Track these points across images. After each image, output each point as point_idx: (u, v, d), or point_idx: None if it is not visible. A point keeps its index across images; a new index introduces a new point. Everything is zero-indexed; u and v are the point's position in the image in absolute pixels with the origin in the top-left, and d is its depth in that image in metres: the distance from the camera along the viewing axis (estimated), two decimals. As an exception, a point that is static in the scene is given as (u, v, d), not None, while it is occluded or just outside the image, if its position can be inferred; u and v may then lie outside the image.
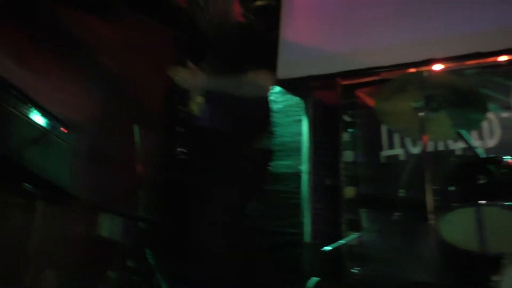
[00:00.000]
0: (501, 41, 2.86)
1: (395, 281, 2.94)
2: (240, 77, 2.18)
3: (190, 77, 2.27)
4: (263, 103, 2.39)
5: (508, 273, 1.85)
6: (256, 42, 2.31)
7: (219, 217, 2.10)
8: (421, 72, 2.20)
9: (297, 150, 4.04)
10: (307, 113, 4.05)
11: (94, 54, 2.91)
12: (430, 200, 2.00)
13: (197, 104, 2.34)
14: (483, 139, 3.39)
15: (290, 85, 3.97)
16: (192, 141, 2.32)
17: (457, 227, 2.07)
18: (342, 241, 2.71)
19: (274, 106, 4.50)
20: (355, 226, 3.37)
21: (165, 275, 2.49)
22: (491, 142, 3.43)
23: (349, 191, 3.67)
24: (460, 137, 2.04)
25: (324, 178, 3.72)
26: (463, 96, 2.18)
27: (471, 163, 2.01)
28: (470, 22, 3.10)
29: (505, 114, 3.48)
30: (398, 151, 3.64)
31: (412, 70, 2.89)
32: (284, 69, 3.31)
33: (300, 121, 4.18)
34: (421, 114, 2.26)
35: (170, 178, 2.38)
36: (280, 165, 4.13)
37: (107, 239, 3.00)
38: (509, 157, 2.06)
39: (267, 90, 2.37)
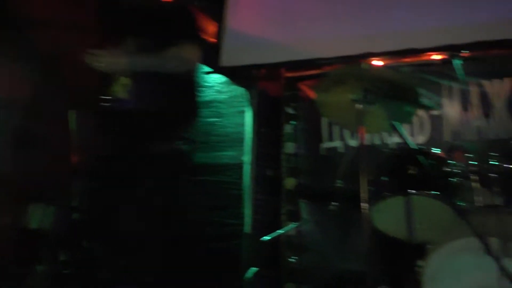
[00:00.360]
0: (436, 39, 2.99)
1: (331, 270, 3.01)
2: (165, 52, 2.12)
3: (113, 58, 2.17)
4: (191, 80, 2.34)
5: (432, 259, 1.95)
6: (178, 16, 2.26)
7: (149, 204, 2.02)
8: (359, 64, 2.23)
9: (240, 141, 4.03)
10: (251, 104, 4.04)
11: (22, 31, 2.71)
12: (364, 190, 2.05)
13: (122, 86, 2.24)
14: (414, 135, 3.58)
15: (235, 76, 3.94)
16: (118, 126, 2.22)
17: (388, 215, 2.14)
18: (280, 231, 2.72)
19: (219, 97, 4.49)
20: (294, 216, 3.42)
21: (100, 267, 2.38)
22: (421, 139, 3.62)
23: (290, 182, 3.71)
24: (393, 128, 2.09)
25: (266, 169, 3.73)
26: (397, 89, 2.24)
27: (403, 155, 2.09)
28: (409, 20, 3.22)
29: (435, 112, 3.68)
30: (337, 143, 3.73)
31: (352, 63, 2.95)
32: (228, 57, 3.26)
33: (244, 112, 4.17)
34: (359, 106, 2.31)
35: (103, 165, 2.27)
36: (223, 155, 4.10)
37: (37, 230, 2.81)
38: (438, 149, 2.15)
39: (193, 64, 2.32)
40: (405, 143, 2.04)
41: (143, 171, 2.11)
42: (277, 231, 2.74)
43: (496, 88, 3.65)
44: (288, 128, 3.97)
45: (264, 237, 2.67)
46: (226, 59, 3.22)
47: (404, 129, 2.08)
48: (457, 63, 2.52)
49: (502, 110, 3.58)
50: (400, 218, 2.00)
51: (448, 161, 2.07)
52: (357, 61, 2.94)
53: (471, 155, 2.91)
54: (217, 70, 3.56)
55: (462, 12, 3.02)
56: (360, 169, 2.10)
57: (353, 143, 3.55)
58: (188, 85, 2.33)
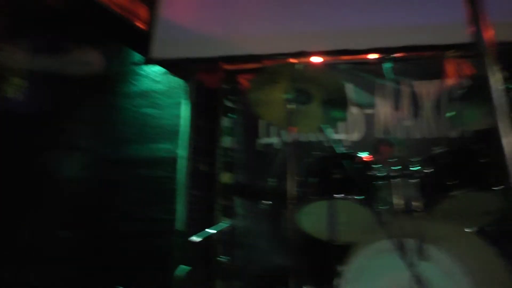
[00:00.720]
0: (371, 39, 3.04)
1: (261, 267, 3.02)
2: (66, 55, 1.98)
3: (8, 57, 2.00)
4: (97, 83, 2.22)
5: (353, 261, 1.99)
6: (84, 18, 2.13)
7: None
8: (293, 64, 2.22)
9: (176, 133, 3.91)
10: (189, 96, 3.93)
11: None
12: (291, 191, 2.05)
13: (14, 86, 2.07)
14: (348, 133, 3.66)
15: (173, 66, 3.81)
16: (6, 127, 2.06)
17: (313, 218, 2.16)
18: (210, 231, 2.68)
19: (155, 87, 4.33)
20: (229, 213, 3.38)
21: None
22: (355, 136, 3.71)
23: (226, 177, 3.67)
24: (322, 131, 2.10)
25: (201, 163, 3.66)
26: (329, 93, 2.26)
27: (329, 158, 2.11)
28: (346, 19, 3.25)
29: (369, 111, 3.79)
30: (273, 139, 3.73)
31: (288, 61, 2.94)
32: (160, 48, 3.13)
33: (180, 103, 4.06)
34: (291, 106, 2.30)
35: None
36: (158, 148, 3.97)
37: None
38: (365, 153, 2.19)
39: (94, 68, 2.20)
40: (332, 146, 2.05)
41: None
42: (207, 230, 2.69)
43: (425, 89, 3.81)
44: (226, 122, 3.92)
45: (193, 237, 2.62)
46: (158, 50, 3.09)
47: (336, 131, 2.08)
48: (388, 65, 2.58)
49: (429, 111, 3.76)
50: (324, 220, 2.03)
51: (373, 165, 2.11)
52: (294, 59, 2.93)
53: (396, 152, 3.08)
54: (148, 61, 3.41)
55: (397, 15, 3.09)
56: (288, 170, 2.10)
57: (289, 140, 3.56)
58: (93, 89, 2.20)
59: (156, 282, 3.02)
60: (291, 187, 2.06)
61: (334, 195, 1.98)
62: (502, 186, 2.07)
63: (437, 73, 3.81)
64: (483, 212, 2.06)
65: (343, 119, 3.38)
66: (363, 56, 3.52)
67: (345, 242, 2.08)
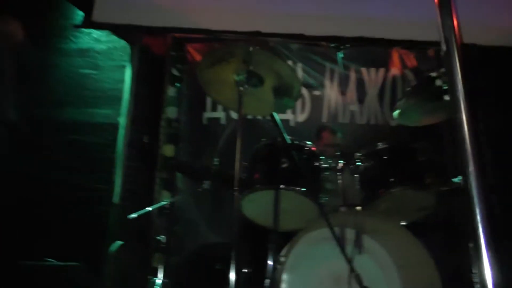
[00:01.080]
0: (325, 27, 3.02)
1: (199, 243, 3.02)
2: None
3: None
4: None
5: (294, 248, 2.04)
6: None
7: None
8: (247, 47, 2.14)
9: (117, 99, 3.70)
10: (132, 61, 3.71)
11: None
12: (237, 175, 2.02)
13: None
14: (294, 113, 3.68)
15: (116, 27, 3.54)
16: None
17: (257, 206, 2.16)
18: (148, 209, 2.60)
19: (96, 46, 4.03)
20: (170, 187, 3.31)
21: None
22: (302, 117, 3.75)
23: (168, 150, 3.56)
24: (272, 119, 2.07)
25: (142, 134, 3.51)
26: (281, 79, 2.22)
27: (277, 146, 2.09)
28: (304, 5, 3.17)
29: (316, 92, 3.82)
30: (220, 114, 3.66)
31: (240, 41, 2.85)
32: (106, 11, 2.88)
33: (123, 67, 3.82)
34: (241, 88, 2.24)
35: None
36: (96, 113, 3.75)
37: None
38: (310, 143, 2.20)
39: (16, 40, 2.03)
40: (282, 134, 2.03)
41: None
42: (146, 208, 2.61)
43: (372, 76, 3.91)
44: (171, 91, 3.76)
45: (131, 215, 2.53)
46: (102, 13, 2.84)
47: (281, 122, 2.06)
48: (339, 52, 2.58)
49: (374, 97, 3.87)
50: (268, 208, 2.03)
51: (319, 156, 2.13)
52: (247, 38, 2.84)
53: (337, 140, 3.15)
54: (89, 23, 3.13)
55: (353, 6, 3.08)
56: (236, 155, 2.06)
57: (235, 116, 3.51)
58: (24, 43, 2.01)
59: (89, 255, 2.91)
60: (237, 171, 2.01)
61: (280, 184, 1.98)
62: (437, 185, 2.20)
63: (383, 63, 3.91)
64: (418, 208, 2.17)
65: (293, 106, 3.38)
66: (314, 42, 3.50)
67: (286, 230, 2.11)
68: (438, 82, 2.33)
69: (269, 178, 2.06)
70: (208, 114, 3.66)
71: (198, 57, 3.75)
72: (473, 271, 2.09)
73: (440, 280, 1.84)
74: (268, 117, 3.28)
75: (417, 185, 2.10)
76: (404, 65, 3.93)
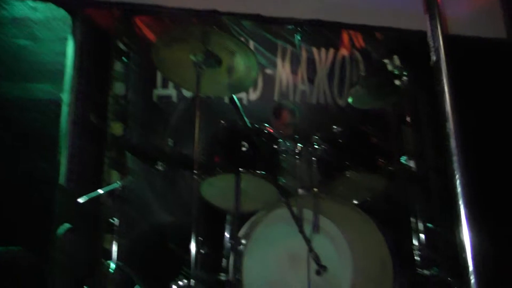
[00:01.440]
0: (283, 8, 3.00)
1: (151, 225, 2.98)
2: None
3: None
4: None
5: (252, 228, 2.09)
6: None
7: None
8: (205, 27, 2.09)
9: (59, 74, 3.46)
10: (74, 33, 3.47)
11: None
12: (196, 159, 2.00)
13: None
14: (248, 92, 3.68)
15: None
16: None
17: (216, 188, 2.17)
18: (98, 192, 2.51)
19: (33, 15, 3.71)
20: (120, 168, 3.20)
21: None
22: (254, 95, 3.75)
23: (116, 128, 3.43)
24: (231, 102, 2.06)
25: (88, 111, 3.33)
26: (238, 59, 2.20)
27: (236, 130, 2.09)
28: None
29: (269, 71, 3.83)
30: (171, 91, 3.57)
31: (196, 19, 2.76)
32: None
33: (65, 39, 3.57)
34: (198, 68, 2.19)
35: None
36: (35, 88, 3.49)
37: None
38: (268, 125, 2.22)
39: None
40: (241, 118, 2.03)
41: None
42: (97, 191, 2.52)
43: (322, 56, 3.97)
44: (118, 66, 3.59)
45: (80, 198, 2.43)
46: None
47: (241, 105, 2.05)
48: (297, 36, 2.60)
49: (324, 78, 3.95)
50: (228, 192, 2.05)
51: (278, 139, 2.16)
52: (203, 17, 2.75)
53: (294, 119, 3.22)
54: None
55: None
56: (189, 132, 2.02)
57: (189, 94, 3.44)
58: None
59: (34, 239, 2.78)
60: (196, 154, 1.99)
61: (239, 168, 1.99)
62: (386, 167, 2.33)
63: (333, 43, 3.99)
64: (369, 188, 2.29)
65: (249, 87, 3.36)
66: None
67: (245, 211, 2.15)
68: (390, 67, 2.43)
69: (229, 161, 2.06)
70: (159, 92, 3.55)
71: (147, 31, 3.60)
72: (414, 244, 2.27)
73: (390, 258, 1.97)
74: (224, 97, 3.32)
75: (370, 168, 2.20)
76: (353, 46, 4.03)
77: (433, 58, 0.92)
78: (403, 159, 2.57)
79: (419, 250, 2.17)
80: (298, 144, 2.14)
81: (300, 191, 2.10)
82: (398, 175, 2.50)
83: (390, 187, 2.39)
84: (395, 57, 2.31)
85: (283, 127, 3.04)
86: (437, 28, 0.93)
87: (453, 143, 0.98)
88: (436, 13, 1.05)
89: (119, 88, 3.53)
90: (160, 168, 2.53)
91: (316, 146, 2.16)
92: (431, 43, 0.93)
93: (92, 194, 2.48)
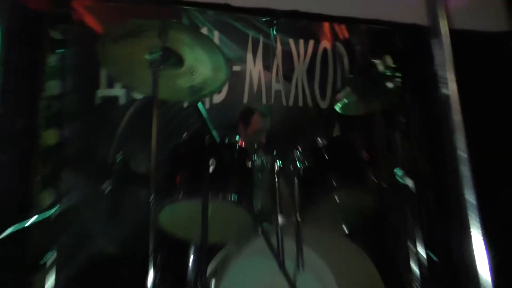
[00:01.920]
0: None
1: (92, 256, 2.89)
2: None
3: None
4: None
5: (224, 262, 2.06)
6: None
7: None
8: (164, 19, 2.05)
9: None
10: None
11: None
12: (153, 179, 1.95)
13: None
14: (212, 97, 3.64)
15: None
16: None
17: (178, 216, 2.12)
18: (26, 224, 2.40)
19: None
20: (53, 186, 3.08)
21: None
22: (218, 98, 3.70)
23: (50, 137, 3.30)
24: (195, 111, 2.02)
25: (15, 116, 3.19)
26: (203, 58, 2.18)
27: (203, 145, 2.04)
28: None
29: (236, 68, 3.80)
30: (118, 92, 3.48)
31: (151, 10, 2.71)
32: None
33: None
34: (154, 67, 2.16)
35: None
36: None
37: None
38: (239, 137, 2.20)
39: None
40: (207, 129, 1.99)
41: None
42: (20, 223, 2.40)
43: (300, 49, 3.99)
44: (52, 60, 3.47)
45: (4, 233, 2.32)
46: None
47: (206, 114, 2.02)
48: (273, 31, 2.60)
49: (302, 74, 3.97)
50: (191, 220, 2.00)
51: (254, 155, 2.14)
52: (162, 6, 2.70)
53: (267, 125, 3.20)
54: None
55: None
56: (149, 148, 1.98)
57: (139, 96, 3.36)
58: None
59: None
60: (152, 173, 1.94)
61: (208, 192, 1.95)
62: (378, 183, 2.36)
63: (313, 34, 4.02)
64: (359, 208, 2.30)
65: (217, 90, 3.33)
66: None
67: (215, 244, 2.12)
68: (380, 68, 2.47)
69: (194, 183, 2.02)
70: (103, 92, 3.45)
71: (89, 18, 3.50)
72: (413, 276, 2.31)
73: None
74: (185, 101, 3.28)
75: (360, 187, 2.21)
76: (335, 37, 4.08)
77: (437, 56, 0.94)
78: (398, 174, 2.61)
79: (419, 283, 2.20)
80: (277, 161, 2.12)
81: (279, 218, 2.09)
82: (392, 193, 2.55)
83: (384, 209, 2.41)
84: (387, 57, 2.35)
85: (253, 135, 3.02)
86: (439, 22, 0.95)
87: (462, 156, 1.00)
88: (439, 5, 1.07)
89: (53, 87, 3.42)
90: (105, 187, 2.48)
91: (299, 164, 2.15)
92: (433, 38, 0.95)
93: (14, 228, 2.36)
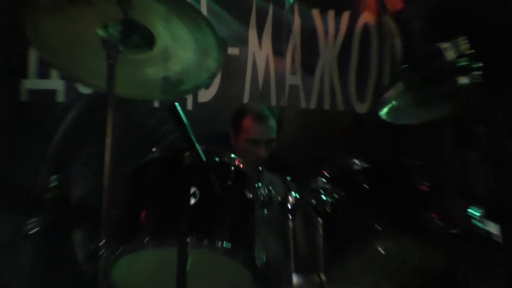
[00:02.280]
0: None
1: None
2: None
3: None
4: None
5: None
6: None
7: None
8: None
9: None
10: None
11: None
12: (105, 215, 1.99)
13: None
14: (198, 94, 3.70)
15: None
16: None
17: (143, 271, 2.17)
18: None
19: None
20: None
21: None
22: (206, 95, 3.76)
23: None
24: (170, 112, 2.06)
25: None
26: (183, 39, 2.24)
27: (181, 164, 2.07)
28: None
29: (233, 51, 3.85)
30: (55, 84, 3.55)
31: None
32: None
33: None
34: (111, 49, 2.21)
35: None
36: None
37: None
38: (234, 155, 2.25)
39: None
40: (189, 141, 2.03)
41: None
42: None
43: (329, 25, 4.05)
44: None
45: None
46: None
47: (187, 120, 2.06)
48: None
49: (331, 63, 4.02)
50: (163, 276, 2.04)
51: (255, 182, 2.18)
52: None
53: (271, 133, 3.25)
54: None
55: None
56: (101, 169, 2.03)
57: (87, 90, 3.43)
58: None
59: None
60: (105, 204, 1.99)
61: (183, 236, 1.99)
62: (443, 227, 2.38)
63: (348, 2, 4.08)
64: (415, 271, 2.33)
65: (205, 85, 3.38)
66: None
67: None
68: (451, 55, 2.51)
69: (166, 222, 2.07)
70: (32, 83, 3.52)
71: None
72: None
73: None
74: (156, 100, 3.33)
75: (417, 233, 2.25)
76: (382, 7, 4.13)
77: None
78: (475, 215, 2.63)
79: None
80: (292, 193, 2.16)
81: (294, 278, 2.13)
82: (466, 243, 2.57)
83: (453, 266, 2.44)
84: (462, 39, 2.39)
85: (244, 147, 3.06)
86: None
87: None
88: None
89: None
90: (31, 227, 2.54)
91: (323, 196, 2.19)
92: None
93: None
